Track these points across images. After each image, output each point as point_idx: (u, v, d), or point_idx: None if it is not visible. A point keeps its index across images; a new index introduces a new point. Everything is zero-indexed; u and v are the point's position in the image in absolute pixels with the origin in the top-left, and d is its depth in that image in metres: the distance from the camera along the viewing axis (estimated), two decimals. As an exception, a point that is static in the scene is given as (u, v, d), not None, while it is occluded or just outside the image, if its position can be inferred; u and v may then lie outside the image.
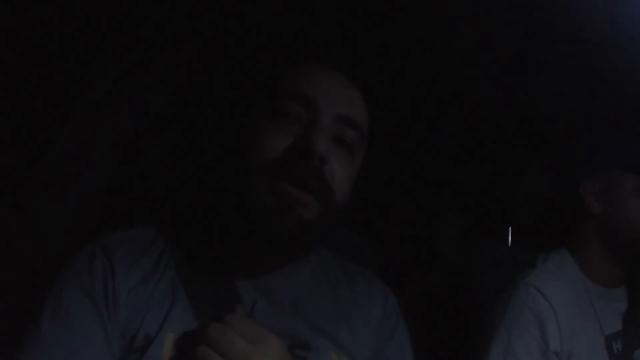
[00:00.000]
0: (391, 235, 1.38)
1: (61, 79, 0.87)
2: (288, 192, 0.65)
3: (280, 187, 0.65)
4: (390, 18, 0.99)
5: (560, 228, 1.10)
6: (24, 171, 0.85)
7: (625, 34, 0.90)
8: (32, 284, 0.76)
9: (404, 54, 1.05)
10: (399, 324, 0.79)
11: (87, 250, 0.69)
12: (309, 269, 0.76)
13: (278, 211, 0.65)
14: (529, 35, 0.98)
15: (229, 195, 0.70)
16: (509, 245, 1.47)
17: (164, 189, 0.92)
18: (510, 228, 1.46)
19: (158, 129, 0.96)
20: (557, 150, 1.17)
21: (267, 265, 0.71)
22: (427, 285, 1.36)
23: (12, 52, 0.84)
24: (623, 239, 1.01)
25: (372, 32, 1.03)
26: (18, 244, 0.81)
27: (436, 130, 1.22)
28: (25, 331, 0.62)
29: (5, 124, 0.84)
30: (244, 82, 0.79)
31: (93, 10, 0.86)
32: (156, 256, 0.70)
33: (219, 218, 0.74)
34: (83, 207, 0.89)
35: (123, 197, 0.91)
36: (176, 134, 0.95)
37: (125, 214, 0.89)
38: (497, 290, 1.07)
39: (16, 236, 0.82)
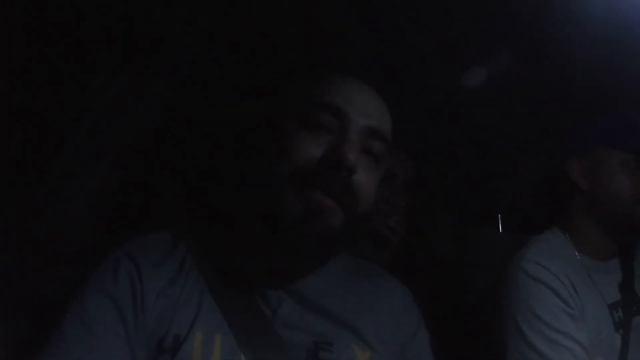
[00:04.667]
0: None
1: (70, 81, 0.88)
2: (316, 199, 0.67)
3: (310, 195, 0.67)
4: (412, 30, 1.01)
5: (551, 208, 1.14)
6: (34, 175, 0.85)
7: (614, 19, 0.93)
8: (43, 290, 0.77)
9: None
10: (421, 320, 0.81)
11: (111, 255, 0.70)
12: (332, 268, 0.78)
13: (306, 217, 0.67)
14: (519, 24, 1.01)
15: (257, 200, 0.72)
16: (500, 231, 1.50)
17: (182, 192, 0.92)
18: (500, 215, 1.49)
19: (178, 129, 0.96)
20: (546, 131, 1.21)
21: (292, 267, 0.73)
22: (426, 281, 1.37)
23: (23, 55, 0.84)
24: (610, 212, 1.05)
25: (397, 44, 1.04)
26: (28, 248, 0.81)
27: (426, 124, 1.23)
28: (47, 335, 0.63)
29: (15, 127, 0.83)
30: (275, 88, 0.80)
31: (101, 15, 0.87)
32: (180, 259, 0.72)
33: (245, 223, 0.75)
34: (95, 211, 0.89)
35: (137, 200, 0.91)
36: (197, 136, 0.95)
37: (139, 217, 0.89)
38: (494, 277, 1.10)
39: (26, 241, 0.81)
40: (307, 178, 0.67)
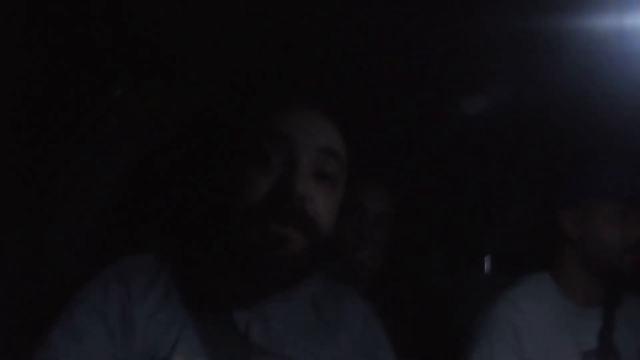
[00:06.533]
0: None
1: (87, 91, 0.90)
2: (274, 230, 0.68)
3: (268, 227, 0.68)
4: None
5: (542, 254, 1.17)
6: (37, 193, 0.87)
7: (611, 72, 0.96)
8: (41, 303, 0.78)
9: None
10: (381, 337, 0.82)
11: (101, 276, 0.72)
12: (300, 294, 0.79)
13: (267, 248, 0.68)
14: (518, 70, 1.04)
15: (220, 231, 0.74)
16: (490, 272, 1.50)
17: (166, 217, 0.93)
18: (490, 257, 1.50)
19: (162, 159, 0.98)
20: (538, 183, 1.24)
21: (260, 294, 0.75)
22: (411, 317, 1.37)
23: (40, 63, 0.85)
24: (599, 261, 1.08)
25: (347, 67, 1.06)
26: (29, 265, 0.83)
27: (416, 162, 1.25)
28: (36, 348, 0.64)
29: (21, 134, 0.85)
30: (228, 125, 0.82)
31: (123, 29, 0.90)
32: (166, 282, 0.73)
33: (213, 256, 0.77)
34: (95, 230, 0.91)
35: (132, 221, 0.93)
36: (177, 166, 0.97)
37: (132, 238, 0.91)
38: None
39: (27, 258, 0.83)
40: (263, 212, 0.68)
